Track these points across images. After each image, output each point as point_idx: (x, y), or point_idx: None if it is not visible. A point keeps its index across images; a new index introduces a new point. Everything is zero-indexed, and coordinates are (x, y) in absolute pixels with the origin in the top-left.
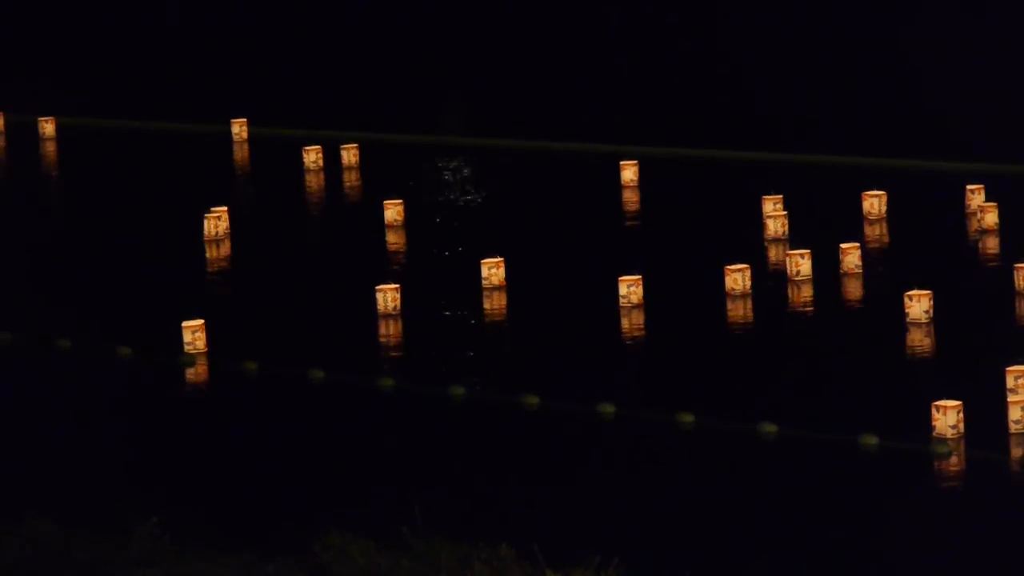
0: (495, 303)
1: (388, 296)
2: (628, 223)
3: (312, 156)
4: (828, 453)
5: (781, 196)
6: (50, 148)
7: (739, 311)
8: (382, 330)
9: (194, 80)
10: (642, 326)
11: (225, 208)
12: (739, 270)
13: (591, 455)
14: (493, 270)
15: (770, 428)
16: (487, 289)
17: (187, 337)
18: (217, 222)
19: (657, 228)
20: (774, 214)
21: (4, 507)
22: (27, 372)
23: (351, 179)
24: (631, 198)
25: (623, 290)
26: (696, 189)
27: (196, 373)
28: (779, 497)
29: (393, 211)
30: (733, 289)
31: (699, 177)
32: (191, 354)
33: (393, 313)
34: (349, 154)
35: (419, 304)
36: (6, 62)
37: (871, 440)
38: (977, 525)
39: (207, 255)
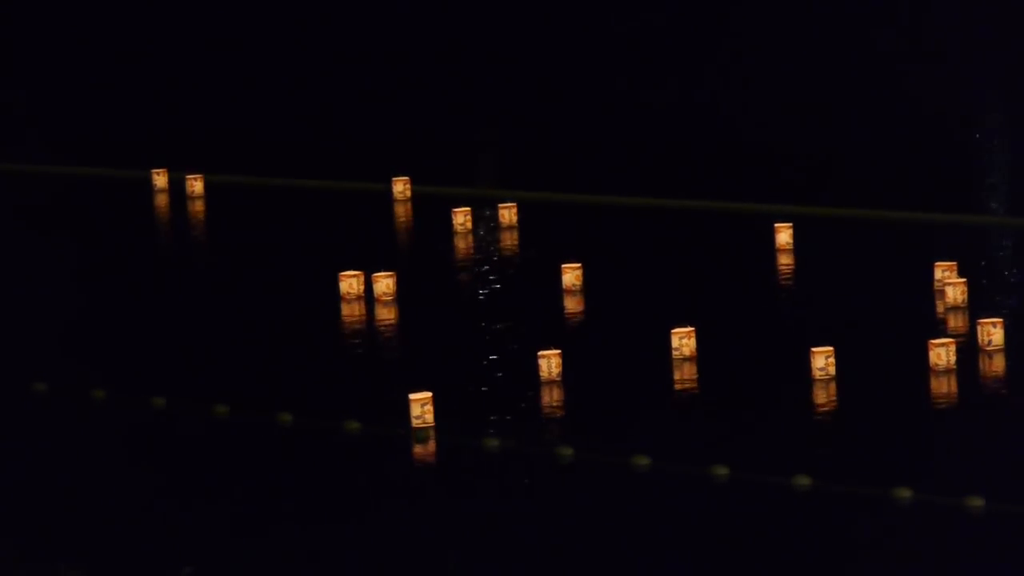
0: (686, 374)
1: (552, 362)
2: (790, 288)
3: (460, 218)
4: None
5: (955, 263)
6: (198, 206)
7: (943, 387)
8: (545, 398)
9: (349, 135)
10: (836, 398)
11: (357, 272)
12: (943, 344)
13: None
14: (684, 340)
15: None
16: (678, 360)
17: (415, 411)
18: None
19: (826, 294)
20: (951, 280)
21: None
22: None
23: (510, 239)
24: (786, 262)
25: (819, 362)
26: (855, 252)
27: (427, 449)
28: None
29: (572, 275)
30: (937, 364)
31: (855, 238)
32: (423, 428)
33: (556, 379)
34: (511, 213)
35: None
36: (166, 121)
37: None
38: None
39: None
